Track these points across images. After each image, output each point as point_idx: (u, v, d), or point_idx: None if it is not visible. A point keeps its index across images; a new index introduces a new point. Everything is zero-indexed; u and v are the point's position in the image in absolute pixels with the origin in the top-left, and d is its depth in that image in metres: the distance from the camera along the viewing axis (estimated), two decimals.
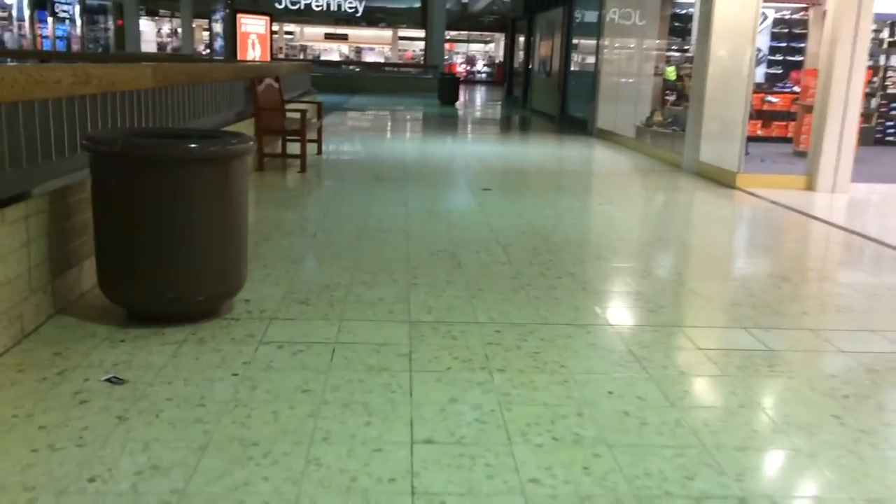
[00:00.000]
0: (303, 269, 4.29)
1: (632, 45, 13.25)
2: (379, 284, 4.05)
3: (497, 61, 41.96)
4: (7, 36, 30.07)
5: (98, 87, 3.93)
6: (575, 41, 16.10)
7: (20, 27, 30.76)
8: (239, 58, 18.52)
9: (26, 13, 30.68)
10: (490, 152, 10.55)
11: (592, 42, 14.20)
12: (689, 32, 12.57)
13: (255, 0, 36.43)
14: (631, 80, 13.13)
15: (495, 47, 42.85)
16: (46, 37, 32.46)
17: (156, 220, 3.13)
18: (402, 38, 40.55)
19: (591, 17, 14.73)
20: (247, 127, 7.57)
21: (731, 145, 8.29)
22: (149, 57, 18.74)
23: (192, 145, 3.16)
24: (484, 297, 3.90)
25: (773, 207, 6.99)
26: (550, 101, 17.63)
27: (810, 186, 7.87)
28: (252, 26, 18.68)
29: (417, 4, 37.15)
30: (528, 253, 4.87)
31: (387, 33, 40.20)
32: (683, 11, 12.78)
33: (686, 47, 12.54)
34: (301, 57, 37.53)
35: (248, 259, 4.37)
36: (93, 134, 3.21)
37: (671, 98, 12.35)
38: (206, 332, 3.24)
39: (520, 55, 24.58)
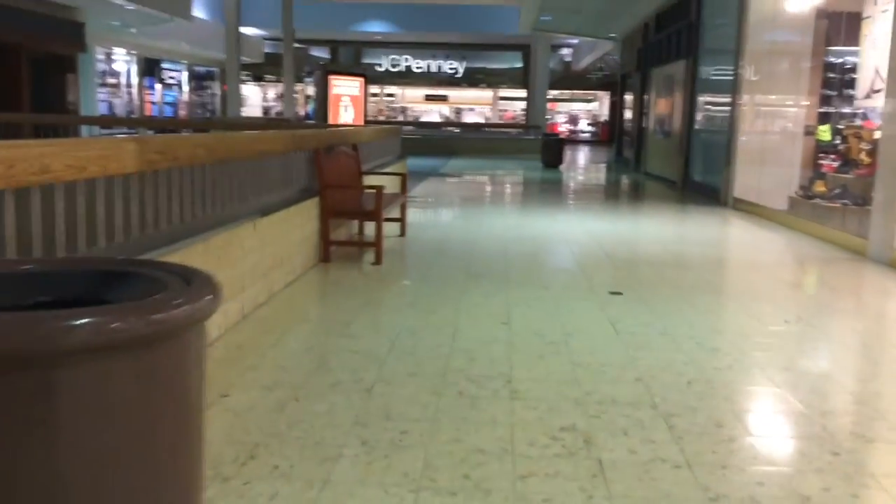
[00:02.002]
0: (335, 482, 2.53)
1: (776, 101, 11.19)
2: None
3: (601, 120, 40.14)
4: (117, 102, 30.65)
5: (8, 180, 2.38)
6: (701, 97, 14.11)
7: (129, 94, 31.33)
8: (331, 121, 17.48)
9: (135, 80, 31.29)
10: (609, 232, 8.67)
11: (725, 98, 12.18)
12: (849, 85, 10.43)
13: (357, 63, 36.24)
14: (776, 142, 11.03)
15: (598, 105, 41.09)
16: (155, 103, 33.08)
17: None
18: (502, 98, 39.46)
19: (722, 70, 12.75)
20: (309, 208, 6.02)
21: None
22: (240, 123, 17.95)
23: (75, 322, 1.47)
24: None
25: None
26: (670, 164, 15.62)
27: None
28: (344, 88, 17.64)
29: (519, 64, 36.04)
30: (713, 437, 2.96)
31: (487, 93, 39.21)
32: (841, 60, 10.66)
33: (846, 101, 10.39)
34: (400, 118, 36.93)
35: (257, 446, 2.68)
36: None
37: (831, 162, 10.17)
38: None
39: (628, 114, 22.72)
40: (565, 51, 36.47)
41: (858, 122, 9.90)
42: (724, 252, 7.99)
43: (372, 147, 9.22)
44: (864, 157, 9.03)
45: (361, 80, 18.46)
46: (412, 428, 2.96)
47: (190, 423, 1.73)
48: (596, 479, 2.58)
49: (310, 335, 4.26)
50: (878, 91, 9.16)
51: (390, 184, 8.10)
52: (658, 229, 9.11)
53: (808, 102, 10.56)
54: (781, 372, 3.83)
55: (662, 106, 16.96)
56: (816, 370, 3.99)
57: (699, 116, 14.31)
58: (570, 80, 37.98)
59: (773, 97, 11.20)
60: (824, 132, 10.56)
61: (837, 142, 10.16)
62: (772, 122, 11.34)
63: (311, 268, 6.00)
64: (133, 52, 30.00)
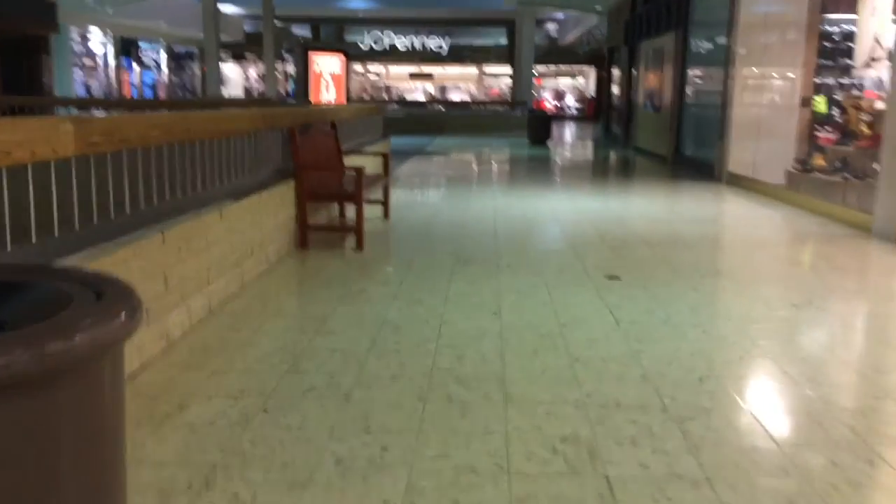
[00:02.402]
0: None
1: (771, 72, 10.84)
2: None
3: (588, 95, 39.69)
4: (93, 83, 29.93)
5: None
6: (692, 70, 13.74)
7: (106, 75, 30.59)
8: (312, 100, 17.01)
9: (112, 61, 30.55)
10: (601, 210, 8.32)
11: (718, 70, 11.82)
12: (845, 54, 10.07)
13: (340, 40, 35.52)
14: (772, 114, 10.69)
15: (585, 81, 40.62)
16: (133, 84, 32.35)
17: None
18: (487, 75, 38.92)
19: (714, 41, 12.38)
20: (285, 192, 5.64)
21: None
22: (219, 103, 17.45)
23: None
24: None
25: None
26: (660, 139, 15.27)
27: None
28: (325, 66, 17.13)
29: (504, 40, 35.47)
30: (733, 445, 2.63)
31: (472, 70, 38.67)
32: (836, 28, 10.29)
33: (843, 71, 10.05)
34: (385, 97, 36.37)
35: (215, 469, 2.32)
36: None
37: (827, 134, 9.85)
38: None
39: (615, 88, 22.31)
40: (550, 26, 35.96)
41: (855, 92, 9.58)
42: (723, 230, 7.67)
43: (352, 126, 8.82)
44: (864, 128, 8.72)
45: (342, 57, 17.95)
46: (394, 442, 2.62)
47: (105, 472, 1.38)
48: (605, 501, 2.25)
49: (283, 332, 3.89)
50: (877, 59, 8.83)
51: (372, 164, 7.73)
52: (652, 207, 8.78)
53: (804, 73, 10.22)
54: (797, 363, 3.51)
55: (651, 80, 16.58)
56: (834, 361, 3.67)
57: (690, 90, 13.95)
58: (556, 55, 37.48)
59: (768, 68, 10.84)
60: (820, 103, 10.23)
61: (835, 113, 9.84)
62: (767, 94, 11.00)
63: (288, 255, 5.63)
64: (109, 32, 29.27)
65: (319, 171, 6.24)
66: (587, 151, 18.80)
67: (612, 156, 16.96)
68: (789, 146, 10.16)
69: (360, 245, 5.93)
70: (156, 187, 3.62)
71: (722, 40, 11.66)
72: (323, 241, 6.18)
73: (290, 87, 20.44)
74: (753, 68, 11.06)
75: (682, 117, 14.18)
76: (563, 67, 39.71)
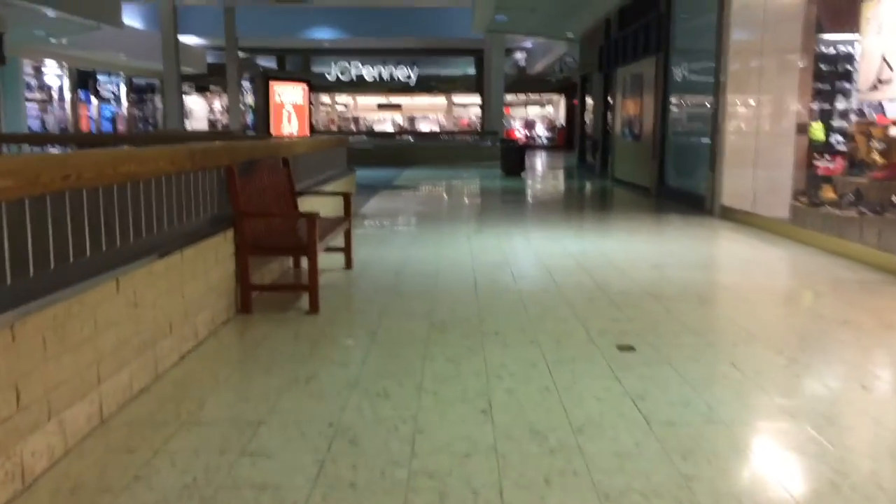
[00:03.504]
0: None
1: (763, 98, 10.06)
2: None
3: (558, 124, 39.17)
4: (49, 118, 28.62)
5: None
6: (676, 96, 12.97)
7: (62, 108, 29.29)
8: (273, 132, 16.00)
9: (67, 94, 29.30)
10: (592, 253, 7.36)
11: (705, 96, 11.04)
12: (844, 77, 9.35)
13: (306, 71, 34.62)
14: (767, 143, 9.90)
15: (554, 109, 40.12)
16: (92, 118, 31.07)
17: None
18: (456, 105, 38.27)
19: (701, 65, 11.62)
20: (220, 245, 4.59)
21: None
22: (178, 137, 16.34)
23: None
24: None
25: None
26: (642, 169, 14.46)
27: None
28: (287, 96, 16.14)
29: (472, 71, 34.85)
30: None
31: (441, 100, 37.99)
32: (833, 51, 9.57)
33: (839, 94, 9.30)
34: (353, 128, 35.46)
35: None
36: None
37: (827, 164, 9.07)
38: None
39: (590, 117, 21.60)
40: (519, 55, 35.46)
41: (854, 117, 8.84)
42: (736, 277, 6.73)
43: (311, 161, 7.81)
44: (876, 157, 7.92)
45: (305, 86, 16.98)
46: None
47: None
48: None
49: (196, 453, 2.82)
50: (885, 82, 8.08)
51: (333, 205, 6.73)
52: (648, 248, 7.83)
53: (800, 98, 9.48)
54: None
55: (630, 107, 15.83)
56: None
57: (674, 117, 13.17)
58: (525, 84, 36.97)
59: (760, 94, 10.07)
60: (817, 130, 9.47)
61: (835, 141, 9.10)
62: (760, 121, 10.21)
63: (224, 324, 4.56)
64: (65, 64, 28.09)
65: (266, 218, 5.22)
66: (564, 184, 17.96)
67: (592, 188, 16.12)
68: (786, 176, 9.37)
69: (313, 308, 4.88)
70: (8, 260, 2.56)
71: (709, 65, 10.90)
72: (271, 302, 5.13)
73: (250, 118, 19.41)
74: (744, 94, 10.28)
75: (666, 146, 13.39)
76: (532, 96, 39.21)
